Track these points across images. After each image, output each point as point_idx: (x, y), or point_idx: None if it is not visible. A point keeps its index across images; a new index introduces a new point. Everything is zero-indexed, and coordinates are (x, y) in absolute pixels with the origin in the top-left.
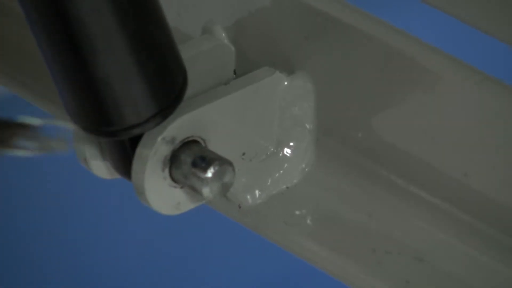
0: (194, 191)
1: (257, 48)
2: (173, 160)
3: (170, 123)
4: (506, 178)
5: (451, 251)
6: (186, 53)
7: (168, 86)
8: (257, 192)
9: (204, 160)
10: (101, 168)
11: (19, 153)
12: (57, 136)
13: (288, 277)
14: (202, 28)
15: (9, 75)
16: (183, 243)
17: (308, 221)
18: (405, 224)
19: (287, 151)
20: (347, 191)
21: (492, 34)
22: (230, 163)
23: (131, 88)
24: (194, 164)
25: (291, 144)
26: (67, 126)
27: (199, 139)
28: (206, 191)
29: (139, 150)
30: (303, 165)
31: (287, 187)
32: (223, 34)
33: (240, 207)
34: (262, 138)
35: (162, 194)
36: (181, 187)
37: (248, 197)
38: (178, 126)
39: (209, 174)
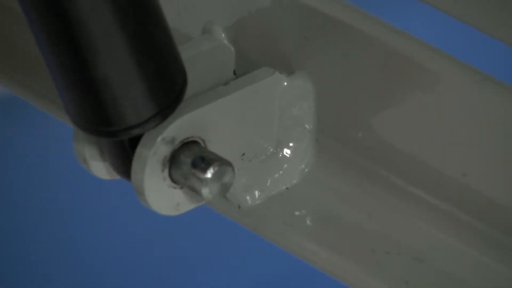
0: (194, 192)
1: (256, 48)
2: (172, 161)
3: (170, 124)
4: (505, 178)
5: (451, 251)
6: (186, 53)
7: (167, 87)
8: (256, 192)
9: (203, 160)
10: (100, 168)
11: None
12: None
13: (288, 277)
14: (202, 28)
15: (9, 75)
16: (182, 243)
17: (308, 222)
18: (405, 225)
19: (286, 151)
20: (346, 192)
21: (491, 34)
22: (229, 164)
23: (130, 88)
24: (194, 165)
25: (291, 144)
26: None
27: (198, 140)
28: (205, 191)
29: (138, 151)
30: (303, 166)
31: (286, 188)
32: (223, 35)
33: (239, 207)
34: (261, 138)
35: (161, 195)
36: (181, 188)
37: (248, 197)
38: (178, 127)
39: (209, 174)
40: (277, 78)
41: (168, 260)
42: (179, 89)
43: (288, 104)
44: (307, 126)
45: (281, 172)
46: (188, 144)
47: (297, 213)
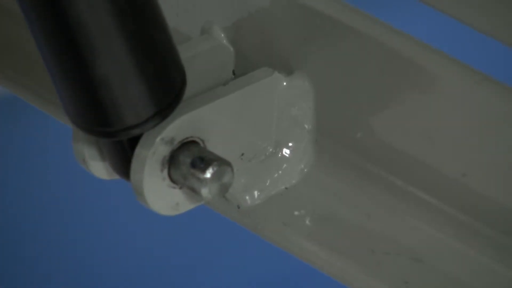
0: (193, 192)
1: (256, 48)
2: (172, 161)
3: (169, 124)
4: (504, 178)
5: (450, 251)
6: (185, 53)
7: (167, 87)
8: (256, 192)
9: (202, 160)
10: (100, 168)
11: None
12: None
13: (288, 277)
14: (201, 28)
15: (9, 76)
16: (182, 243)
17: (307, 222)
18: (404, 225)
19: (286, 151)
20: (346, 192)
21: (490, 34)
22: (229, 164)
23: (130, 88)
24: (193, 165)
25: (290, 144)
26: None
27: (198, 140)
28: (205, 191)
29: (138, 151)
30: (302, 166)
31: (286, 188)
32: (222, 35)
33: (239, 207)
34: (261, 138)
35: (160, 195)
36: (180, 188)
37: (247, 197)
38: (177, 127)
39: (208, 174)
40: (276, 78)
41: (168, 260)
42: (178, 89)
43: (287, 104)
44: (306, 126)
45: (280, 172)
46: (187, 144)
47: (296, 213)
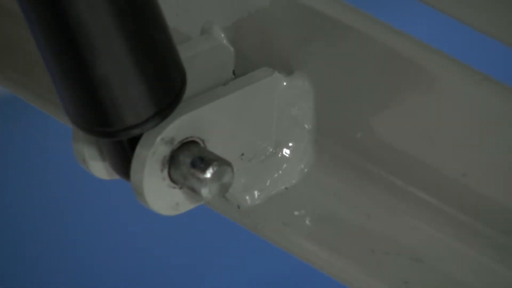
0: (193, 192)
1: (256, 48)
2: (172, 161)
3: (169, 124)
4: (504, 178)
5: (450, 251)
6: (185, 53)
7: (167, 87)
8: (256, 192)
9: (203, 160)
10: (100, 168)
11: None
12: None
13: (288, 277)
14: (201, 28)
15: (9, 76)
16: (182, 243)
17: (307, 222)
18: (404, 225)
19: (286, 151)
20: (346, 192)
21: (490, 34)
22: (229, 164)
23: (130, 88)
24: (193, 165)
25: (290, 144)
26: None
27: (198, 140)
28: (205, 191)
29: (138, 151)
30: (302, 166)
31: (286, 188)
32: (222, 35)
33: (239, 207)
34: (261, 138)
35: (160, 195)
36: (180, 188)
37: (247, 197)
38: (177, 127)
39: (208, 174)
40: (276, 78)
41: (168, 260)
42: (178, 89)
43: (287, 104)
44: (306, 126)
45: (280, 172)
46: (187, 144)
47: (296, 213)
